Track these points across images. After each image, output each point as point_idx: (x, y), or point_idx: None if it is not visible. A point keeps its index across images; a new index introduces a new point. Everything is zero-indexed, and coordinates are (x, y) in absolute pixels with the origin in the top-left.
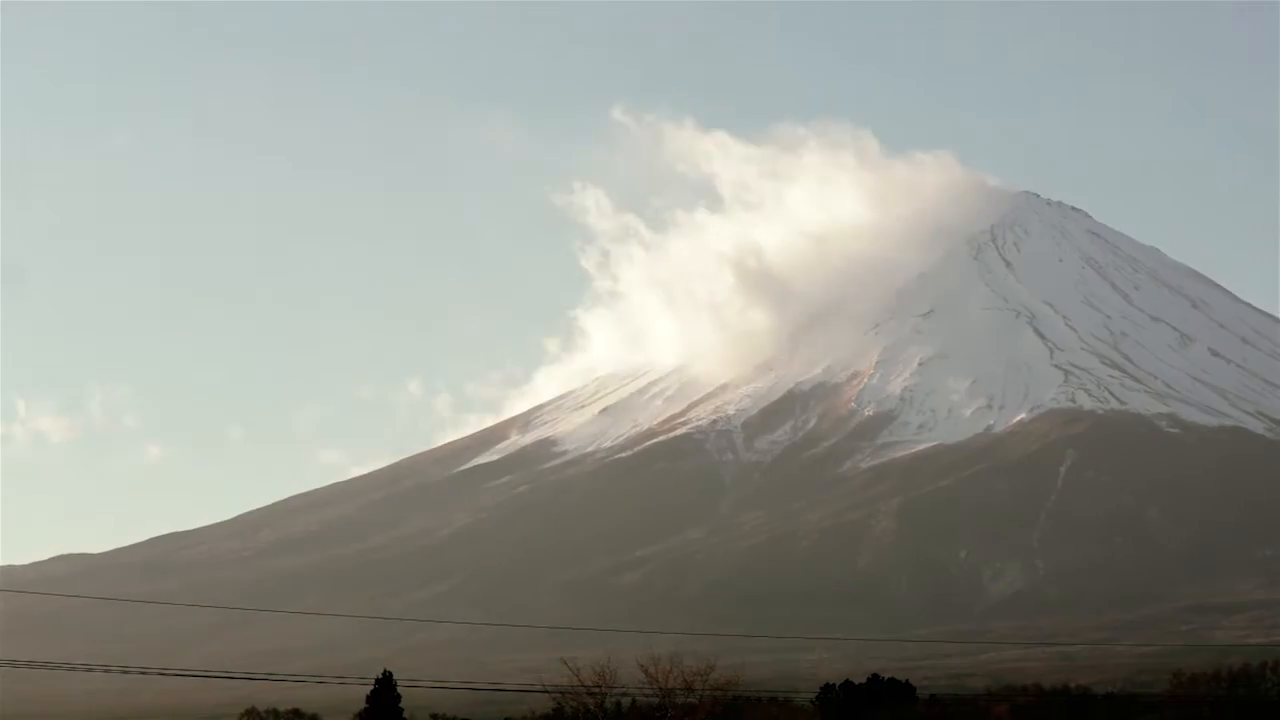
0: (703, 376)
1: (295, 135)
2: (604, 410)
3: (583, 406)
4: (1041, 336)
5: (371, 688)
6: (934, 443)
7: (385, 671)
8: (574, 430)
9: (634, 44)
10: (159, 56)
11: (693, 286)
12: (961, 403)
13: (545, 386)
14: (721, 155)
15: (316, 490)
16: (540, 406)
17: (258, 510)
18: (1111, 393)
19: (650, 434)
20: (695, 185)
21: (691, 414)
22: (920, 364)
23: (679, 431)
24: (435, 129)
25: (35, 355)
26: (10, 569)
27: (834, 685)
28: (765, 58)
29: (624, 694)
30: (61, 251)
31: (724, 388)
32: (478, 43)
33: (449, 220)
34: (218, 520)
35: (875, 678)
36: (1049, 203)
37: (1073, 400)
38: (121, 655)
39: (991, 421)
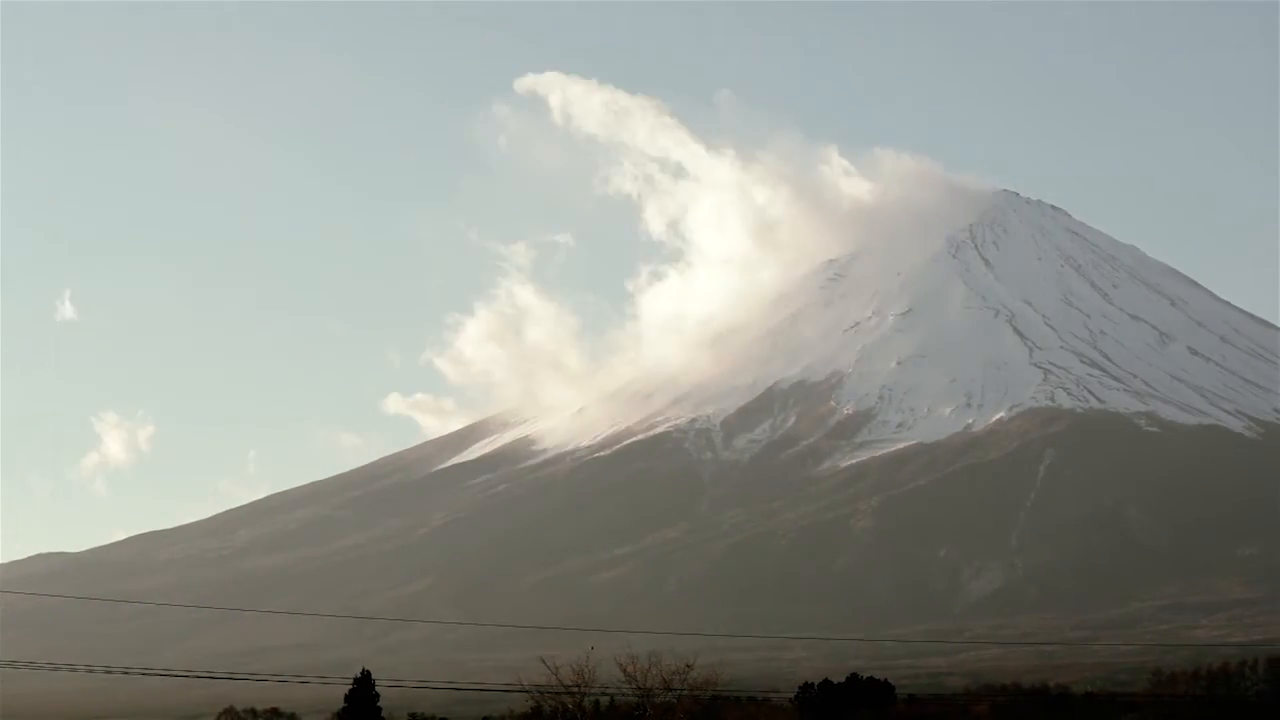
0: (682, 375)
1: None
2: (582, 409)
3: (562, 405)
4: (1020, 335)
5: (350, 687)
6: (913, 441)
7: (364, 670)
8: (552, 429)
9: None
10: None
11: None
12: (940, 401)
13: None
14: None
15: (294, 489)
16: (521, 405)
17: (236, 509)
18: (1090, 391)
19: (629, 433)
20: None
21: (670, 413)
22: (899, 363)
23: (658, 430)
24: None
25: (22, 353)
26: None
27: (813, 684)
28: (746, 59)
29: (603, 693)
30: (51, 253)
31: (703, 386)
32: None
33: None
34: (196, 519)
35: (854, 677)
36: (1028, 201)
37: (1052, 399)
38: (100, 654)
39: (970, 420)
